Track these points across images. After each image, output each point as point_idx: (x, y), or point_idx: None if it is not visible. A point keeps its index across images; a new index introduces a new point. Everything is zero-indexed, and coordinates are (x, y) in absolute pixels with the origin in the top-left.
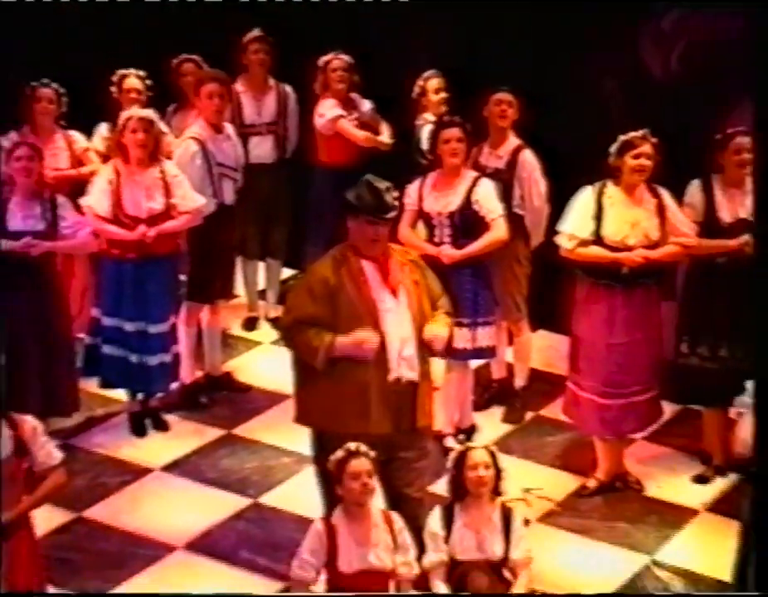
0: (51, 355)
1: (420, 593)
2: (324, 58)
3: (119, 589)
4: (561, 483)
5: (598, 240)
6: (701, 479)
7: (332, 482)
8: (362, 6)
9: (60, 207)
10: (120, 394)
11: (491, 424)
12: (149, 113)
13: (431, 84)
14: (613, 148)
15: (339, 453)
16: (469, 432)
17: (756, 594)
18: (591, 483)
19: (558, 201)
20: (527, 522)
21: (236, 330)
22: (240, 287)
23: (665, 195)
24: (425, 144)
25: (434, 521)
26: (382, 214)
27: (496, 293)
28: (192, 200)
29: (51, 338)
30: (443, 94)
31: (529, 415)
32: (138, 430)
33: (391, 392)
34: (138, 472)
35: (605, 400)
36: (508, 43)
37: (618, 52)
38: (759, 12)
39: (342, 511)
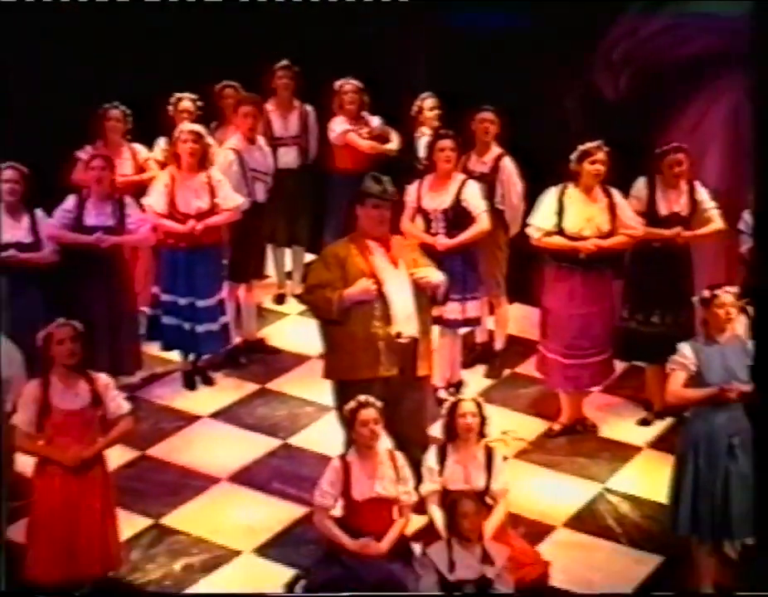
0: (119, 325)
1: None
2: (338, 82)
3: (173, 513)
4: (532, 427)
5: (560, 231)
6: (644, 422)
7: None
8: (370, 39)
9: (126, 207)
10: (175, 355)
11: (475, 380)
12: (198, 127)
13: (427, 103)
14: (573, 156)
15: (351, 404)
16: (457, 386)
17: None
18: (556, 427)
19: (533, 199)
20: (505, 459)
21: (268, 304)
22: (270, 269)
23: (616, 194)
24: (422, 152)
25: (430, 457)
26: (384, 197)
27: (480, 273)
28: (232, 199)
29: (120, 312)
30: (437, 112)
31: (507, 372)
32: (190, 385)
33: (396, 344)
34: (189, 418)
35: (567, 360)
36: (492, 71)
37: (577, 78)
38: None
39: (355, 450)
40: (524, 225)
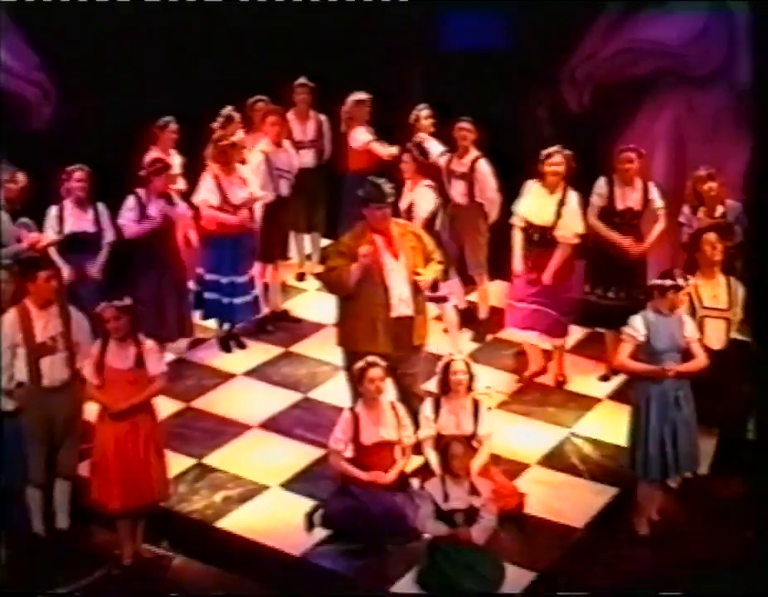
0: (179, 297)
1: None
2: (354, 97)
3: (213, 454)
4: (510, 382)
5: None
6: (604, 378)
7: (355, 383)
8: (375, 59)
9: (174, 200)
10: (212, 324)
11: (464, 343)
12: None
13: (423, 113)
14: (540, 158)
15: (361, 364)
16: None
17: None
18: (525, 374)
19: (511, 193)
20: (488, 409)
21: (291, 281)
22: (293, 251)
23: (571, 197)
24: (435, 151)
25: (426, 407)
26: (383, 201)
27: (465, 255)
28: (258, 193)
29: (177, 287)
30: (431, 120)
31: (489, 337)
32: (226, 348)
33: (393, 324)
34: (226, 376)
35: (520, 304)
36: (477, 86)
37: (547, 92)
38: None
39: (362, 403)
40: (502, 214)
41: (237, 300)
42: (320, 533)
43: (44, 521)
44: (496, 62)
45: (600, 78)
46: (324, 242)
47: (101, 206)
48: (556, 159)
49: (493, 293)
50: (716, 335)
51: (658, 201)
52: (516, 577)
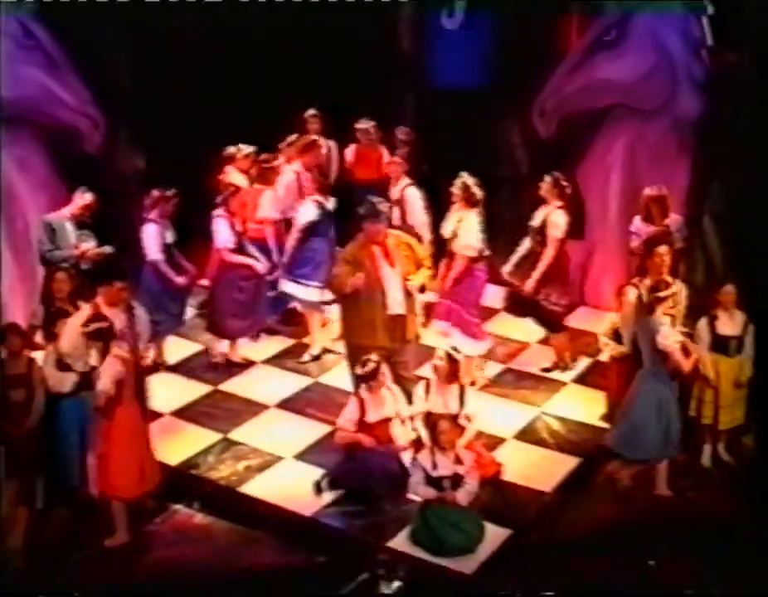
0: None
1: None
2: (361, 124)
3: (237, 430)
4: (491, 369)
5: None
6: (546, 370)
7: (354, 364)
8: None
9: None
10: None
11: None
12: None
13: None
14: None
15: (372, 364)
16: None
17: None
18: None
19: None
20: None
21: None
22: None
23: (469, 215)
24: None
25: (419, 389)
26: (378, 220)
27: None
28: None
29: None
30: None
31: None
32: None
33: (389, 321)
34: (248, 363)
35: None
36: (460, 114)
37: (520, 121)
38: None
39: (366, 389)
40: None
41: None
42: (327, 497)
43: None
44: (476, 95)
45: (565, 110)
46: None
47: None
48: (457, 184)
49: None
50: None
51: (552, 228)
52: (495, 534)
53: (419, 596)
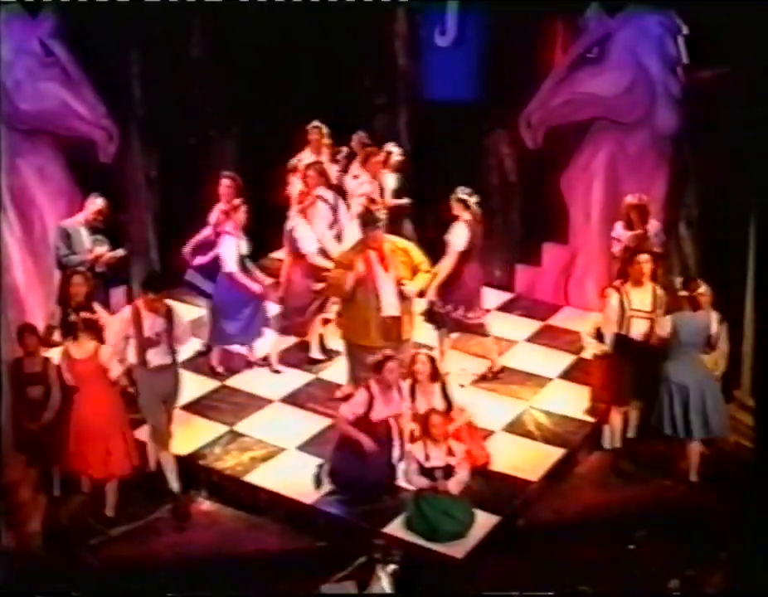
0: None
1: None
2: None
3: (242, 422)
4: (481, 366)
5: None
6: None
7: (352, 362)
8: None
9: None
10: None
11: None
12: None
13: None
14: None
15: (378, 357)
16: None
17: None
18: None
19: None
20: (462, 386)
21: None
22: None
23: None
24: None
25: (404, 390)
26: (376, 226)
27: None
28: None
29: None
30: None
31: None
32: None
33: (383, 322)
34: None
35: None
36: (451, 127)
37: (508, 133)
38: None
39: (378, 387)
40: None
41: None
42: (327, 487)
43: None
44: (466, 109)
45: (550, 122)
46: None
47: None
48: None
49: None
50: (641, 331)
51: (452, 241)
52: (484, 520)
53: (413, 579)
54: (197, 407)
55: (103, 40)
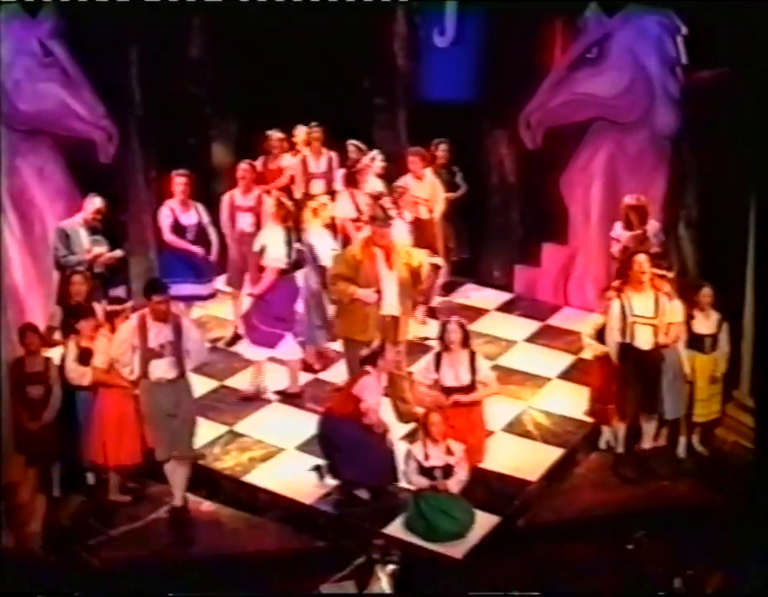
0: None
1: None
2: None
3: (242, 422)
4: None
5: None
6: None
7: (350, 359)
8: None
9: None
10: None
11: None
12: None
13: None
14: None
15: (375, 345)
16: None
17: None
18: None
19: None
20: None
21: None
22: None
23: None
24: None
25: (429, 360)
26: (386, 224)
27: None
28: None
29: None
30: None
31: None
32: None
33: (382, 320)
34: (252, 362)
35: None
36: (449, 128)
37: (507, 133)
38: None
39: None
40: None
41: None
42: (328, 482)
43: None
44: (465, 109)
45: (549, 123)
46: None
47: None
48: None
49: None
50: (645, 338)
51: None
52: (483, 520)
53: (412, 579)
54: (196, 407)
55: (102, 40)
